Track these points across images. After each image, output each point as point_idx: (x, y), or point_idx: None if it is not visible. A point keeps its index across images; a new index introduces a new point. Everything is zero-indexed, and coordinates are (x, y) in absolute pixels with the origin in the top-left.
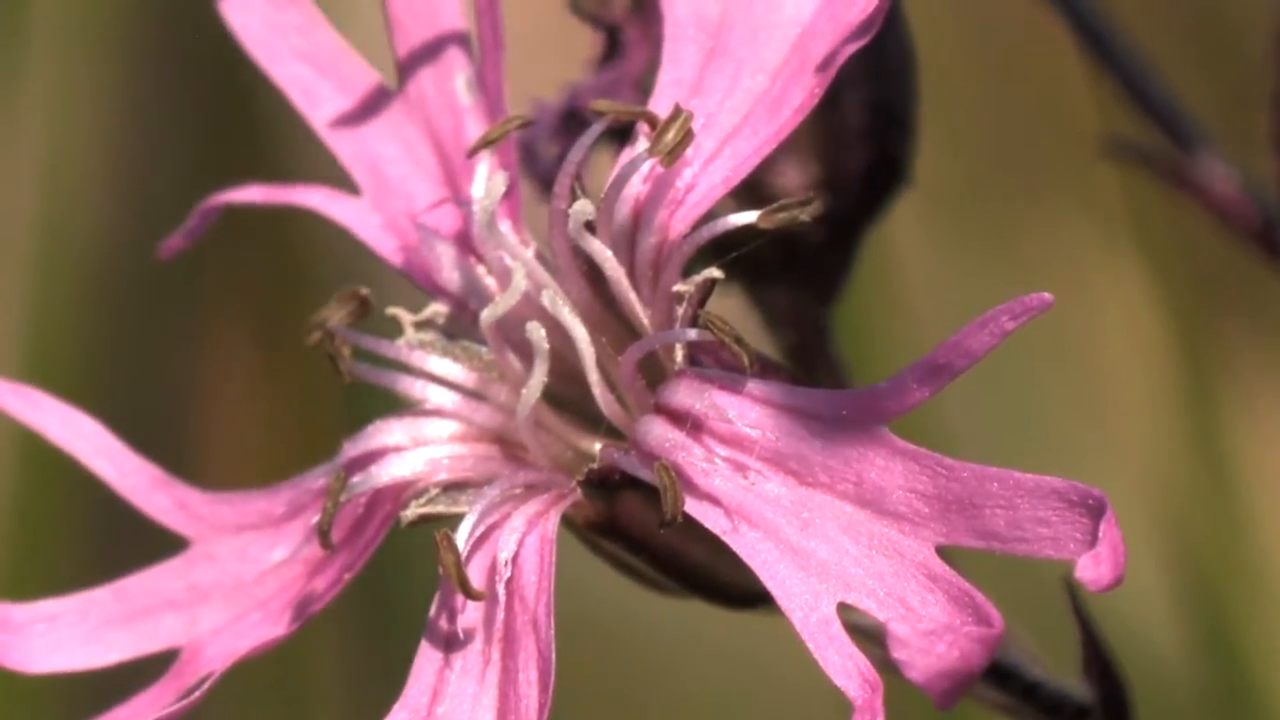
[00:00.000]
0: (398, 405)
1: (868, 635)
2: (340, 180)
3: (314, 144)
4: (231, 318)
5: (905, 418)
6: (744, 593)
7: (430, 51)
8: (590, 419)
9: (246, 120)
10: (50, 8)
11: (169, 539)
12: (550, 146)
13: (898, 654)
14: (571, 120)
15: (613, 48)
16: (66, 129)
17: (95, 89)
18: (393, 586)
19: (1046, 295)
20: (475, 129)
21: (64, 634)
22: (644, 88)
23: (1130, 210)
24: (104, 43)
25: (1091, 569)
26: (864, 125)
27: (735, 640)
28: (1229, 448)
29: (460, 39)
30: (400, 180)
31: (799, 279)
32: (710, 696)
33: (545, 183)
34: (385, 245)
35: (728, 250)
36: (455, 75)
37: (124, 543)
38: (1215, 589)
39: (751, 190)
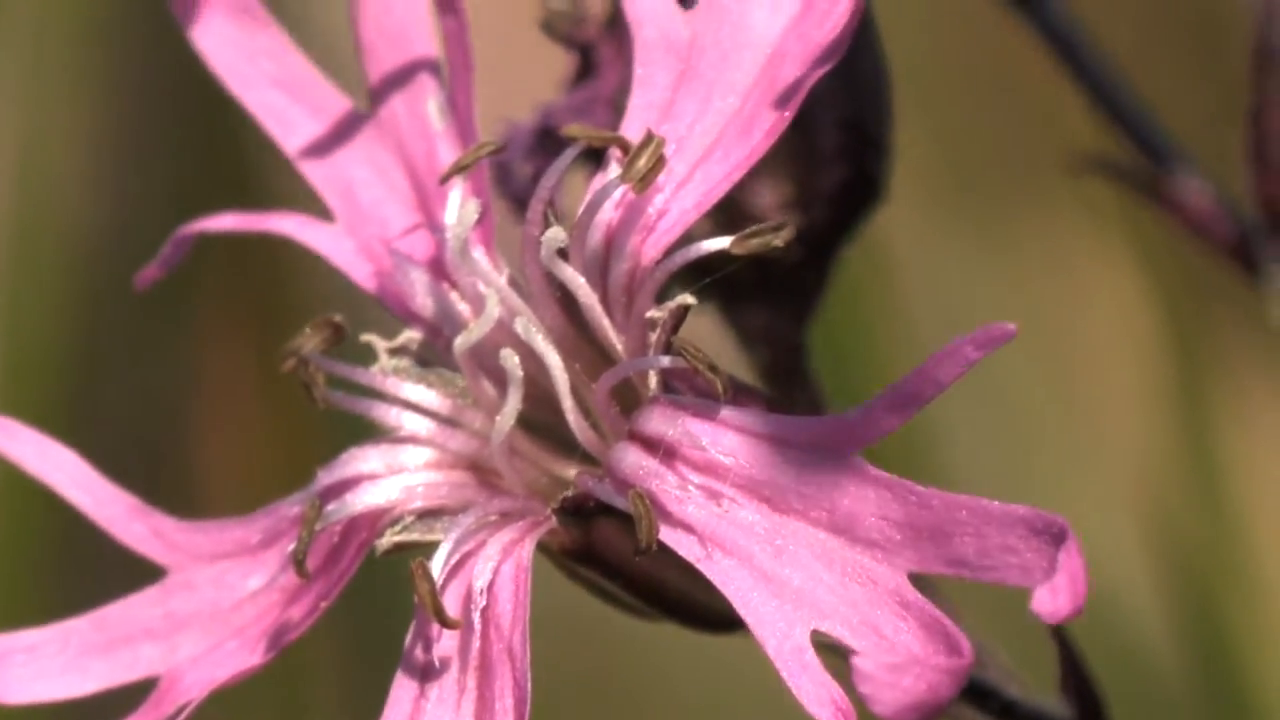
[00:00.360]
0: (379, 430)
1: (841, 654)
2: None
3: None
4: (216, 326)
5: None
6: (719, 618)
7: (402, 76)
8: (565, 444)
9: (226, 117)
10: (23, 5)
11: (151, 564)
12: (524, 166)
13: (863, 689)
14: (545, 140)
15: (586, 67)
16: (41, 127)
17: (71, 87)
18: (387, 605)
19: (1011, 326)
20: (447, 153)
21: (43, 663)
22: (618, 107)
23: (1120, 206)
24: (79, 40)
25: (1049, 601)
26: (837, 144)
27: (717, 639)
28: (1219, 443)
29: (431, 64)
30: (373, 205)
31: (774, 298)
32: (693, 695)
33: (519, 202)
34: (359, 271)
35: (702, 272)
36: (427, 99)
37: (105, 568)
38: (1205, 584)
39: (725, 209)
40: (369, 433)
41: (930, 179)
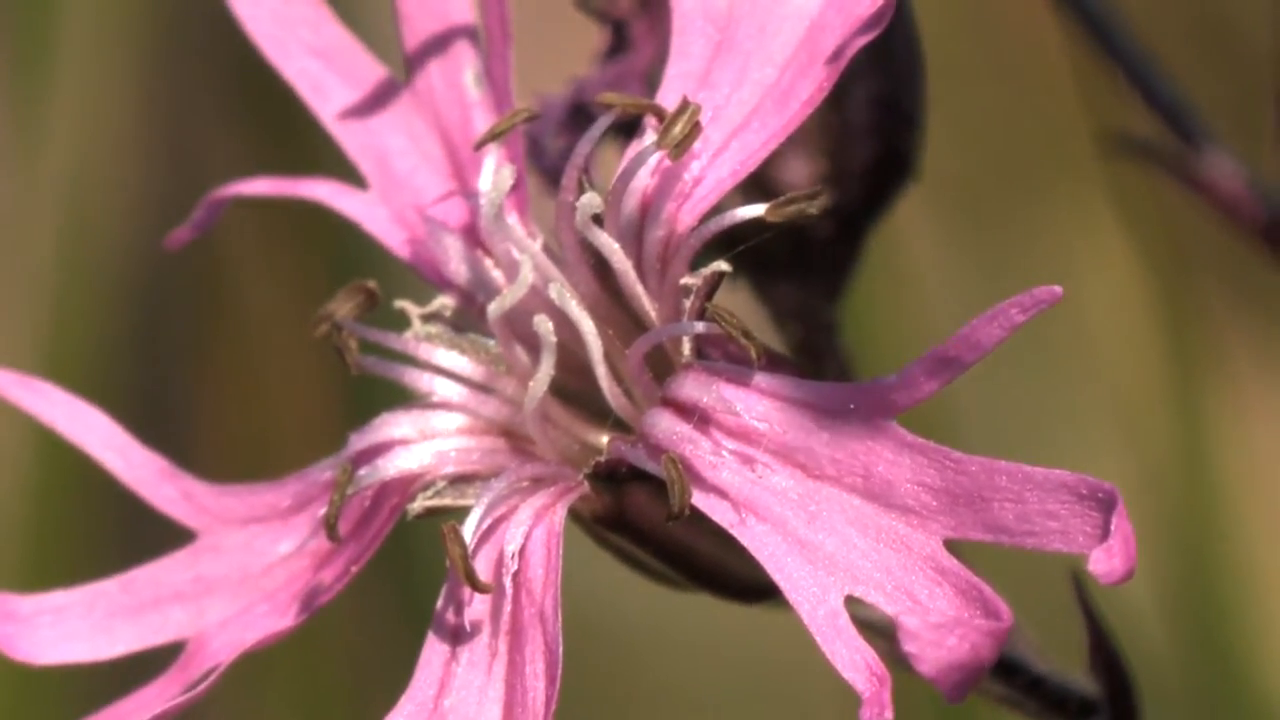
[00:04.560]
0: (409, 395)
1: (874, 629)
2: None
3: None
4: (258, 324)
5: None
6: (751, 586)
7: (438, 45)
8: (597, 412)
9: (276, 124)
10: (78, 13)
11: (180, 528)
12: (557, 140)
13: (908, 647)
14: (578, 114)
15: (619, 42)
16: (93, 133)
17: (122, 91)
18: (408, 574)
19: (1057, 288)
20: (483, 122)
21: (70, 625)
22: (651, 82)
23: (1116, 194)
24: (132, 45)
25: (1104, 562)
26: (871, 120)
27: (715, 632)
28: (1215, 431)
29: (468, 32)
30: (408, 173)
31: (806, 273)
32: (691, 689)
33: (552, 176)
34: (393, 238)
35: (735, 244)
36: (463, 69)
37: (146, 533)
38: (1201, 577)
39: (758, 184)
40: (399, 399)
41: (936, 173)
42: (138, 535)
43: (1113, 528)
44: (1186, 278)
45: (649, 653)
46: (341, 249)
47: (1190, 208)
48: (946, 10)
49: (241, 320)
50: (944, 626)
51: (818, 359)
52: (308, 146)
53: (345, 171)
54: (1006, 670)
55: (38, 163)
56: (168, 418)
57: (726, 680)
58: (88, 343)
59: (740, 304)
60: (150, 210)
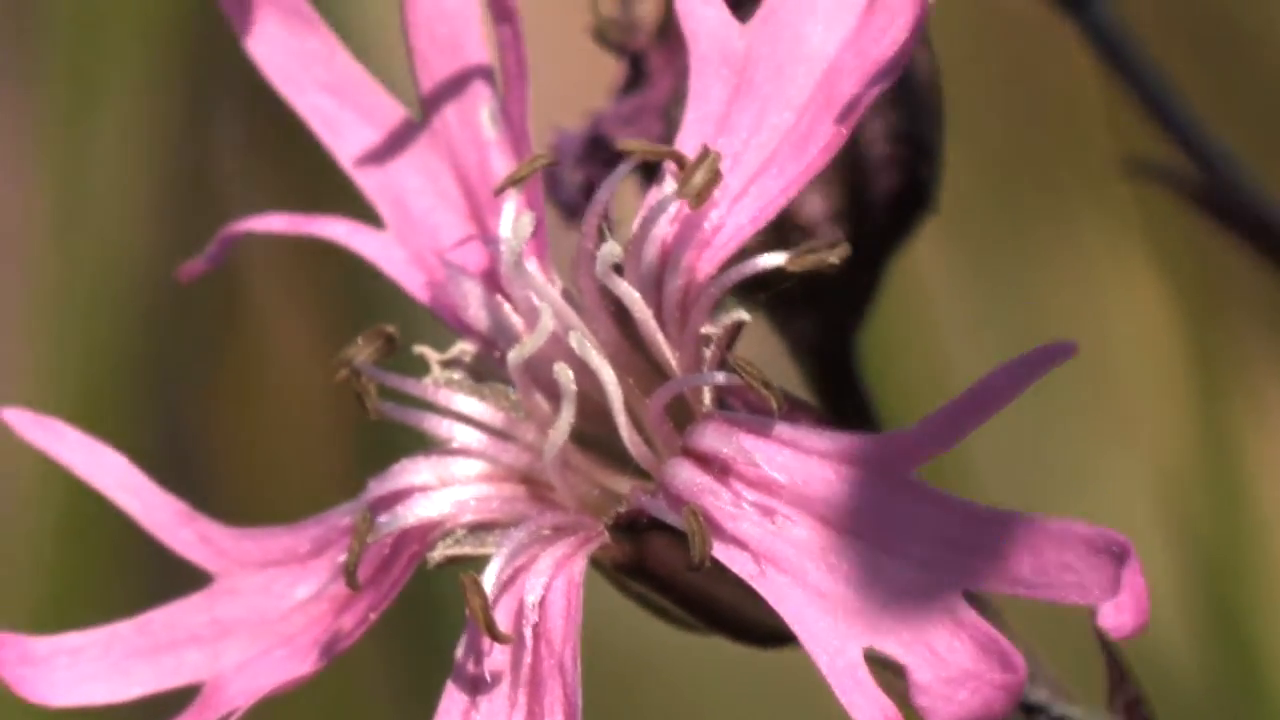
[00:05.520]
0: (424, 434)
1: (893, 668)
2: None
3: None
4: (274, 355)
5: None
6: (770, 632)
7: (453, 84)
8: (617, 457)
9: (307, 159)
10: (115, 44)
11: (197, 570)
12: (574, 174)
13: (920, 700)
14: (595, 148)
15: (637, 75)
16: (131, 163)
17: (164, 123)
18: (435, 619)
19: (1073, 343)
20: (500, 162)
21: (86, 667)
22: (668, 116)
23: (1142, 213)
24: (129, 58)
25: (1114, 616)
26: (889, 153)
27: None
28: (1240, 449)
29: (484, 71)
30: (425, 213)
31: (823, 307)
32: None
33: (568, 209)
34: (411, 280)
35: (755, 285)
36: (479, 108)
37: (169, 570)
38: (1226, 586)
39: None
40: (414, 435)
41: (951, 188)
42: (161, 572)
43: (1123, 582)
44: (1212, 302)
45: (651, 670)
46: (358, 282)
47: (1216, 234)
48: (969, 33)
49: (257, 351)
50: (955, 681)
51: (836, 390)
52: (340, 183)
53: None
54: (1027, 711)
55: (76, 194)
56: (181, 451)
57: (730, 694)
58: (104, 374)
59: (758, 333)
60: (170, 241)
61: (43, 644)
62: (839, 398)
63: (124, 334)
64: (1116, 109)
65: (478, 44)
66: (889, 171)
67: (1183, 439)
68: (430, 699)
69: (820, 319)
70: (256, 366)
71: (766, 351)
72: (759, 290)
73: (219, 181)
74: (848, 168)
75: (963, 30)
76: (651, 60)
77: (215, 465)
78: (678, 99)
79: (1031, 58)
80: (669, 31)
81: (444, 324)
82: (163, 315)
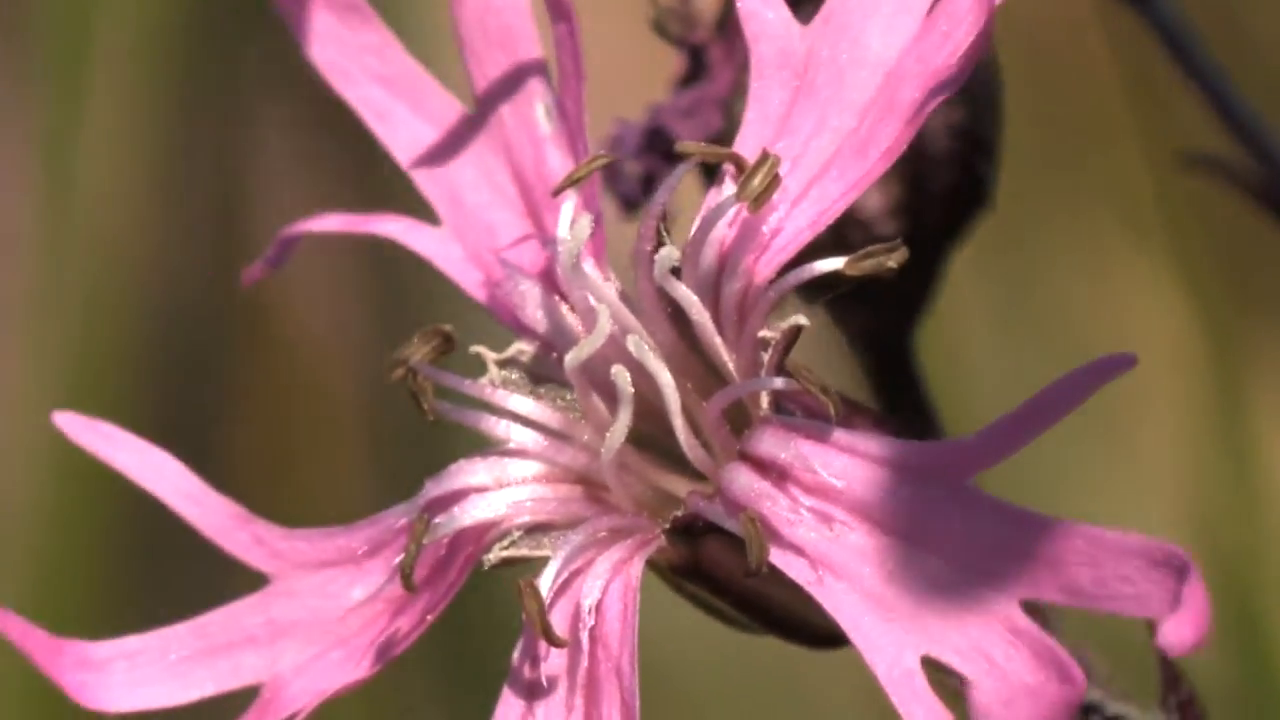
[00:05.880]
0: (440, 435)
1: (948, 671)
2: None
3: (372, 178)
4: (279, 351)
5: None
6: (826, 634)
7: (507, 78)
8: (673, 459)
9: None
10: (110, 37)
11: (209, 553)
12: (634, 166)
13: (979, 714)
14: (655, 140)
15: (696, 68)
16: (123, 160)
17: (154, 119)
18: (479, 626)
19: (1132, 355)
20: (556, 158)
21: (144, 671)
22: (727, 109)
23: (1163, 214)
24: (162, 73)
25: (1175, 632)
26: (948, 149)
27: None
28: (1260, 451)
29: (538, 66)
30: (480, 208)
31: (881, 302)
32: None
33: (627, 201)
34: (468, 279)
35: (815, 287)
36: (534, 103)
37: (159, 555)
38: (1244, 589)
39: None
40: (444, 439)
41: None
42: (158, 555)
43: (1185, 597)
44: (1232, 304)
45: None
46: (387, 281)
47: (1240, 232)
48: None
49: (279, 350)
50: (1016, 699)
51: (893, 387)
52: (352, 171)
53: (384, 196)
54: (1084, 711)
55: (69, 190)
56: (200, 454)
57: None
58: (118, 371)
59: (814, 327)
60: (182, 237)
61: (100, 649)
62: (896, 393)
63: (140, 335)
64: (1140, 111)
65: (530, 38)
66: (948, 167)
67: (1202, 441)
68: (483, 702)
69: (878, 314)
70: (278, 366)
71: (825, 345)
72: (818, 293)
73: (240, 183)
74: (907, 163)
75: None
76: (711, 53)
77: (235, 467)
78: (737, 92)
79: (1054, 59)
80: (728, 24)
81: (500, 324)
82: (183, 315)
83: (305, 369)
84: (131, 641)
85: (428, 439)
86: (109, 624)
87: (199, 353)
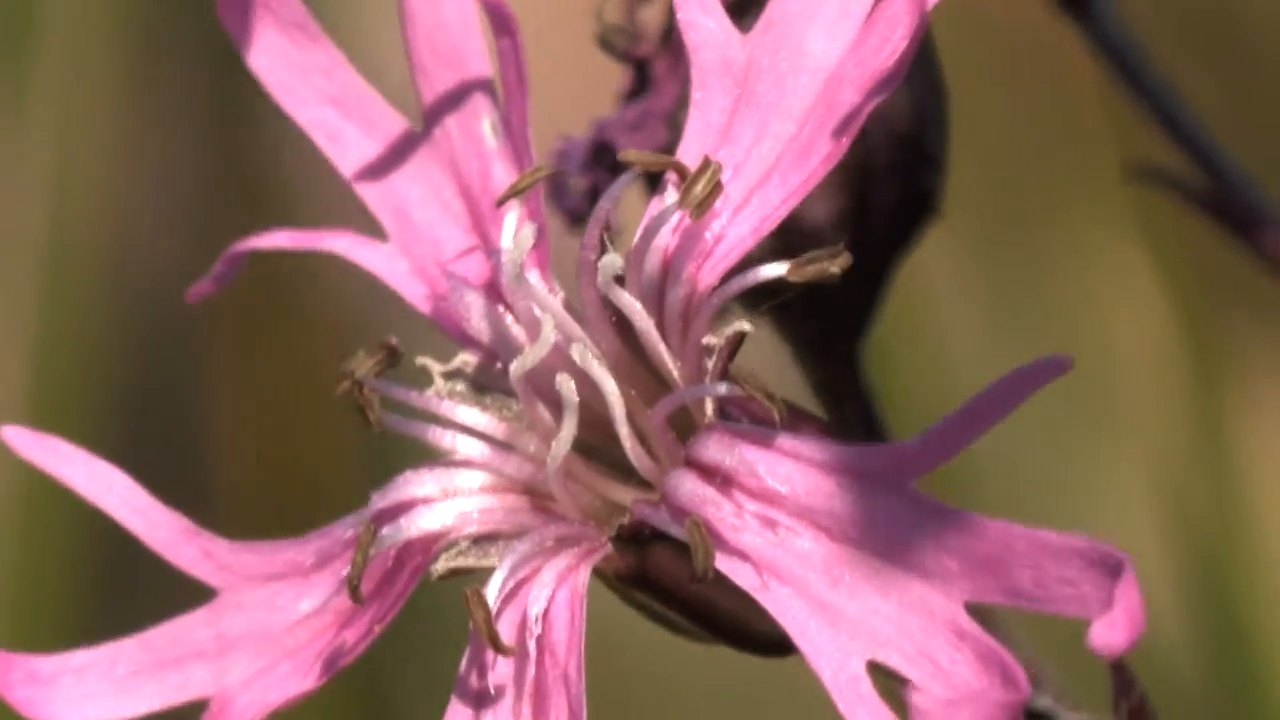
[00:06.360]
0: (408, 450)
1: (895, 677)
2: (344, 201)
3: (320, 162)
4: (243, 336)
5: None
6: (773, 641)
7: (455, 95)
8: (619, 468)
9: (253, 138)
10: (61, 19)
11: (176, 572)
12: (579, 181)
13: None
14: (600, 155)
15: (641, 82)
16: (74, 146)
17: (103, 105)
18: (423, 630)
19: (1067, 357)
20: (501, 173)
21: (92, 685)
22: (674, 122)
23: (1140, 213)
24: (112, 58)
25: (1104, 634)
26: (892, 160)
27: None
28: (1236, 443)
29: (484, 83)
30: (427, 224)
31: (827, 314)
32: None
33: (572, 216)
34: (413, 292)
35: (757, 294)
36: (480, 118)
37: (131, 576)
38: (1222, 582)
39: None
40: (389, 446)
41: (950, 188)
42: (123, 573)
43: (1117, 597)
44: (1209, 301)
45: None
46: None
47: (1216, 236)
48: (968, 37)
49: (269, 358)
50: (955, 704)
51: (841, 399)
52: (289, 153)
53: (325, 169)
54: (1034, 718)
55: (20, 168)
56: (190, 461)
57: (724, 701)
58: (75, 360)
59: (762, 339)
60: (138, 223)
61: (47, 663)
62: (844, 405)
63: (128, 344)
64: (1116, 111)
65: (478, 55)
66: (893, 178)
67: (1180, 437)
68: (432, 710)
69: (825, 326)
70: (269, 374)
71: (771, 359)
72: (763, 300)
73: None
74: (852, 175)
75: (961, 34)
76: (656, 67)
77: (225, 476)
78: (683, 105)
79: (1030, 60)
80: (674, 38)
81: (446, 336)
82: (172, 325)
83: (314, 379)
84: (79, 656)
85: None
86: (77, 641)
87: (212, 361)
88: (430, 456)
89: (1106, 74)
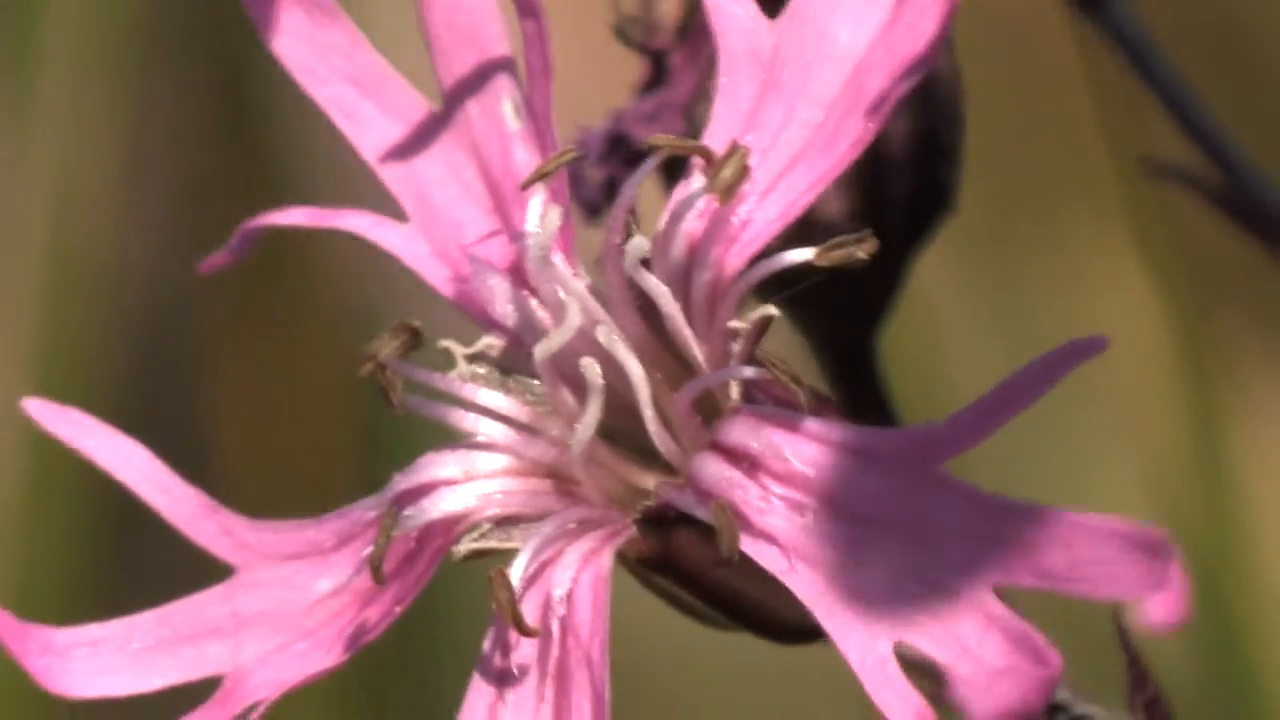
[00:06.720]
0: (418, 433)
1: (919, 669)
2: (346, 202)
3: (323, 160)
4: (244, 338)
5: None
6: (797, 628)
7: (475, 75)
8: (643, 451)
9: (254, 141)
10: (62, 24)
11: (181, 544)
12: (596, 172)
13: (960, 692)
14: (617, 146)
15: (658, 74)
16: (77, 145)
17: (107, 105)
18: (443, 618)
19: (1102, 338)
20: (523, 155)
21: (106, 659)
22: (690, 114)
23: (1131, 211)
24: (114, 63)
25: (1159, 610)
26: (910, 153)
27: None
28: (1229, 443)
29: (505, 63)
30: (447, 205)
31: (844, 305)
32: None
33: (589, 207)
34: (435, 275)
35: (780, 281)
36: (501, 99)
37: (134, 547)
38: (1214, 584)
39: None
40: (397, 434)
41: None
42: (132, 543)
43: (1167, 576)
44: (1201, 300)
45: (656, 666)
46: (374, 277)
47: (1208, 230)
48: (961, 37)
49: (267, 344)
50: (996, 674)
51: (857, 390)
52: (292, 152)
53: (327, 168)
54: (1049, 710)
55: (22, 172)
56: (189, 446)
57: (732, 690)
58: (79, 358)
59: (777, 330)
60: (141, 220)
61: (63, 635)
62: (859, 396)
63: (128, 329)
64: (1111, 111)
65: (498, 36)
66: (910, 172)
67: (1174, 437)
68: (451, 694)
69: (842, 318)
70: (269, 373)
71: (787, 351)
72: (785, 286)
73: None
74: (869, 168)
75: (955, 34)
76: (673, 59)
77: (224, 460)
78: (699, 97)
79: (1022, 61)
80: (690, 30)
81: (469, 319)
82: (173, 326)
83: (314, 365)
84: (94, 629)
85: (420, 429)
86: (84, 613)
87: (212, 346)
88: (427, 443)
89: (1119, 70)
